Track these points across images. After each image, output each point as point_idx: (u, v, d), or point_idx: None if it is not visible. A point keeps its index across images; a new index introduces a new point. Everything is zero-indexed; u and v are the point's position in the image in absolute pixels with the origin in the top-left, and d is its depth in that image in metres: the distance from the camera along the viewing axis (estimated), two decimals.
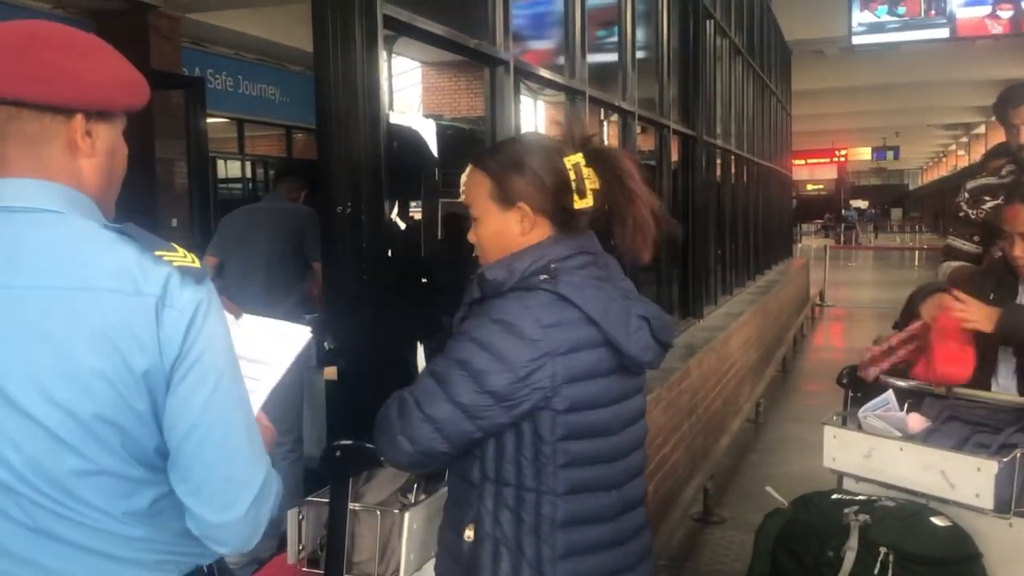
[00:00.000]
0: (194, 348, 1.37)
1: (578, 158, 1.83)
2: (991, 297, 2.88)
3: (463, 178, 1.91)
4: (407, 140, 7.26)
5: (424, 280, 8.09)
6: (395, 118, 9.13)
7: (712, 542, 5.17)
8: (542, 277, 1.79)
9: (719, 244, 9.25)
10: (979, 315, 2.63)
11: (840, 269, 24.87)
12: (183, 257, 1.39)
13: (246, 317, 1.73)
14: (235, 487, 1.41)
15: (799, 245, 28.41)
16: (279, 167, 6.78)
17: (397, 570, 1.92)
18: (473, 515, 1.82)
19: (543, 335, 1.74)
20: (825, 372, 7.36)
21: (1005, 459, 2.44)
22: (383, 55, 2.90)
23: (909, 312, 2.95)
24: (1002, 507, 2.44)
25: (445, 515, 1.95)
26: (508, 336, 1.74)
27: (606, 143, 1.93)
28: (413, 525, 1.93)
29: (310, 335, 1.77)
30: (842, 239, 38.23)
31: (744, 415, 7.55)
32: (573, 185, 1.82)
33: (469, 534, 1.81)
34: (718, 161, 9.21)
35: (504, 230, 1.85)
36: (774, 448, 7.21)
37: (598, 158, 1.85)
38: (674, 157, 7.33)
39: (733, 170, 10.27)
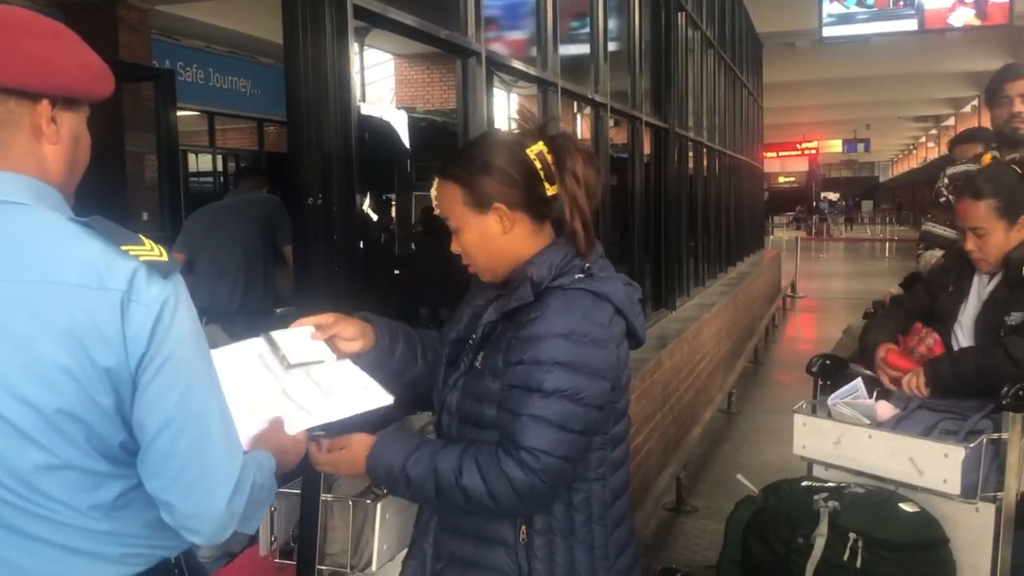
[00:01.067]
0: (164, 346, 1.35)
1: (540, 146, 1.83)
2: (950, 289, 2.91)
3: (433, 192, 1.91)
4: (379, 132, 7.24)
5: (396, 272, 8.07)
6: (367, 109, 9.09)
7: (685, 531, 5.20)
8: (578, 276, 1.79)
9: (692, 236, 9.28)
10: (910, 378, 2.70)
11: (811, 261, 25.06)
12: (150, 251, 1.37)
13: (347, 362, 1.81)
14: (210, 481, 1.40)
15: (771, 237, 28.59)
16: (238, 167, 6.76)
17: (370, 561, 1.91)
18: (524, 517, 1.81)
19: (609, 336, 1.76)
20: (796, 362, 7.44)
21: (971, 445, 2.47)
22: (354, 46, 2.89)
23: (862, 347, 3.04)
24: (969, 492, 2.48)
25: (451, 528, 1.89)
26: (588, 347, 1.73)
27: (561, 129, 1.91)
28: (386, 516, 1.92)
29: (390, 402, 1.79)
30: (813, 231, 38.52)
31: (716, 405, 7.60)
32: (541, 174, 1.82)
33: (523, 537, 1.80)
34: (690, 154, 9.24)
35: (486, 233, 1.84)
36: (746, 437, 7.26)
37: (555, 144, 1.85)
38: (646, 150, 7.35)
39: (705, 162, 10.31)
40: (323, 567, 1.93)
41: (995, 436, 2.51)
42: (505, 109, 18.02)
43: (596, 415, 1.75)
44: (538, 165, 1.82)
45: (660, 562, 4.38)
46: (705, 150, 10.14)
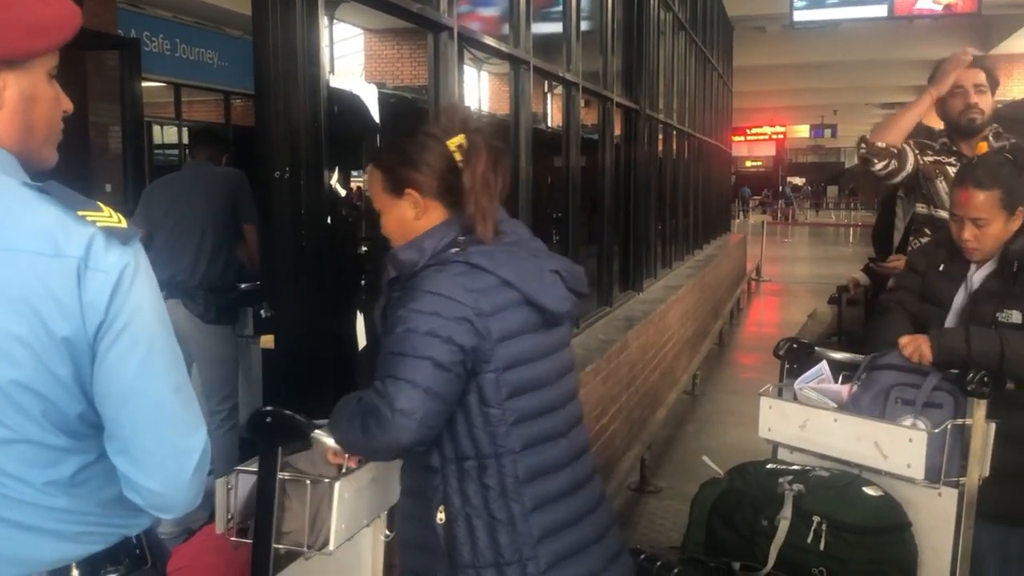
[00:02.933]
0: (122, 313, 1.31)
1: (460, 139, 1.95)
2: (941, 268, 2.90)
3: (365, 176, 2.02)
4: (347, 107, 7.15)
5: (364, 249, 8.00)
6: (336, 84, 8.98)
7: (649, 511, 5.22)
8: (453, 251, 1.92)
9: (659, 218, 9.29)
10: (924, 350, 2.65)
11: (777, 245, 25.22)
12: (108, 217, 1.33)
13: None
14: (177, 454, 1.37)
15: (737, 220, 28.71)
16: (194, 132, 6.54)
17: (327, 541, 1.90)
18: (440, 498, 1.92)
19: (473, 299, 1.87)
20: (760, 345, 7.46)
21: (936, 431, 2.48)
22: (323, 18, 2.84)
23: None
24: (932, 477, 2.49)
25: (402, 512, 2.05)
26: (445, 300, 1.85)
27: (480, 125, 2.04)
28: (344, 495, 1.91)
29: None
30: (779, 215, 38.76)
31: (681, 387, 7.63)
32: (460, 166, 1.94)
33: (441, 517, 1.92)
34: (660, 135, 9.23)
35: (401, 216, 1.99)
36: (710, 419, 7.30)
37: (470, 139, 1.97)
38: (617, 131, 7.34)
39: (674, 145, 10.31)
40: (280, 545, 1.92)
41: (959, 422, 2.52)
42: (476, 87, 17.92)
43: (456, 350, 1.83)
44: (457, 157, 1.95)
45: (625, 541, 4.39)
46: (675, 132, 10.14)
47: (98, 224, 1.31)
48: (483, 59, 8.33)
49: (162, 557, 1.55)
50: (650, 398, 6.55)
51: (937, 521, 2.51)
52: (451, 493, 1.91)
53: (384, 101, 9.68)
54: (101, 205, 1.35)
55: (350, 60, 17.19)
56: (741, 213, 40.43)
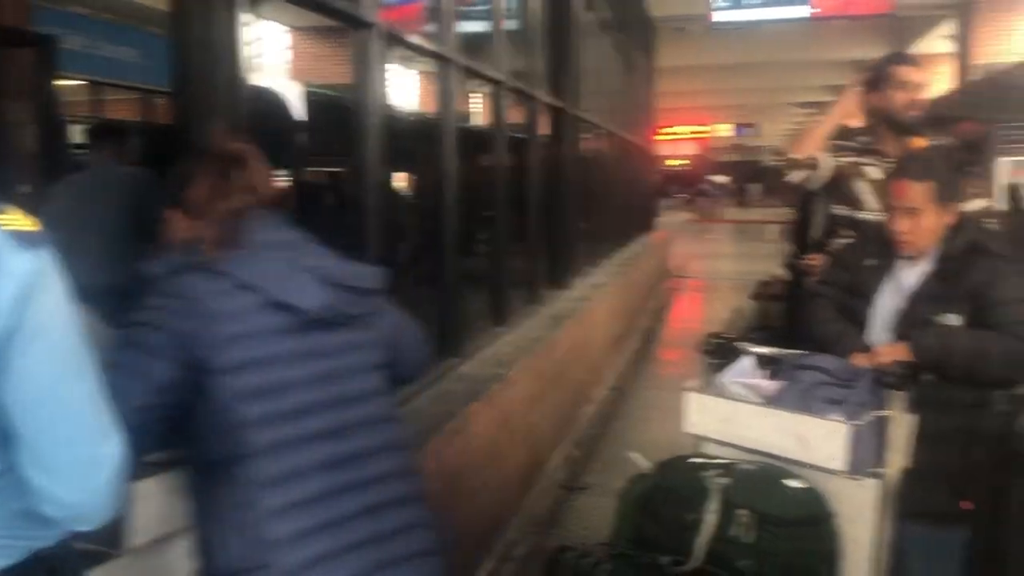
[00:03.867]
0: (32, 319, 1.26)
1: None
2: (868, 263, 2.95)
3: None
4: (270, 105, 7.03)
5: None
6: (258, 82, 8.83)
7: (578, 508, 5.23)
8: (193, 257, 1.91)
9: (586, 216, 9.33)
10: (902, 353, 2.68)
11: (701, 242, 25.55)
12: (17, 219, 1.28)
13: None
14: (92, 463, 1.33)
15: (662, 218, 28.98)
16: (91, 130, 6.28)
17: (131, 542, 1.87)
18: (195, 502, 1.91)
19: (200, 303, 1.85)
20: (686, 341, 7.50)
21: (856, 422, 2.52)
22: (243, 15, 2.77)
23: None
24: (854, 468, 2.52)
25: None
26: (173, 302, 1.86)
27: (242, 145, 2.09)
28: (146, 496, 1.88)
29: None
30: (704, 212, 39.27)
31: (608, 383, 7.68)
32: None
33: (195, 520, 1.90)
34: (585, 135, 9.28)
35: (175, 229, 2.01)
36: (637, 415, 7.35)
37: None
38: (543, 130, 7.34)
39: (600, 144, 10.37)
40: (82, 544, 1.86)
41: (879, 414, 2.56)
42: (406, 85, 17.78)
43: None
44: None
45: (554, 540, 4.40)
46: (600, 131, 10.20)
47: (6, 227, 1.26)
48: (412, 58, 8.25)
49: (78, 572, 1.49)
50: (578, 395, 6.57)
51: (859, 511, 2.55)
52: (195, 496, 1.90)
53: (311, 99, 9.56)
54: (10, 207, 1.29)
55: (276, 58, 16.93)
56: (669, 211, 40.91)
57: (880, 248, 2.95)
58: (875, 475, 2.54)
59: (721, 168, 52.70)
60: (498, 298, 5.61)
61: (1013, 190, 10.54)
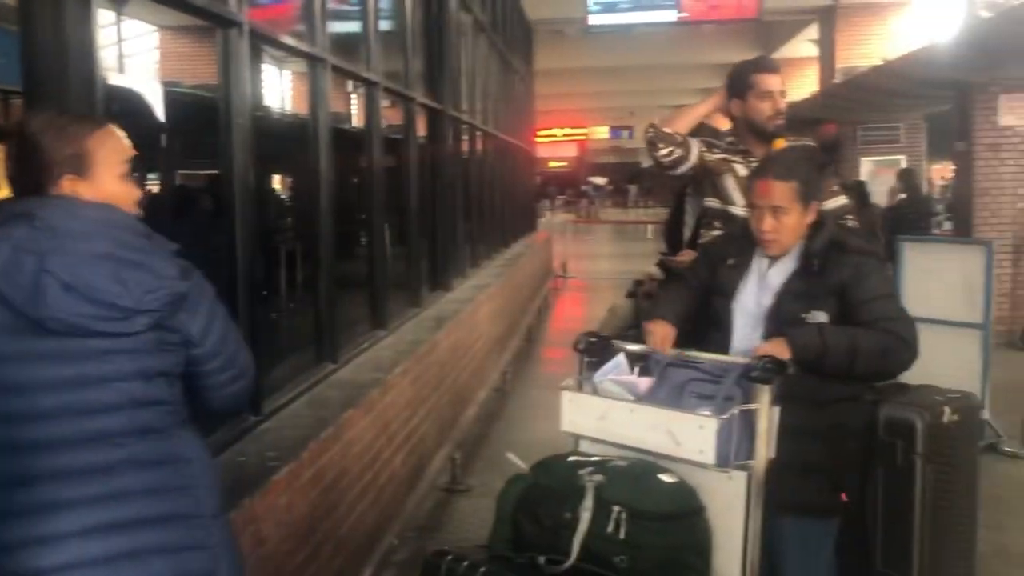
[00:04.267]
0: None
1: None
2: (730, 262, 3.00)
3: None
4: (129, 105, 6.78)
5: None
6: (118, 83, 8.52)
7: (460, 511, 5.21)
8: None
9: (467, 218, 9.32)
10: (781, 350, 2.70)
11: (581, 242, 25.87)
12: None
13: None
14: None
15: (543, 219, 29.25)
16: None
17: None
18: None
19: None
20: (567, 340, 7.57)
21: (724, 416, 2.57)
22: (100, 12, 2.65)
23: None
24: (722, 461, 2.57)
25: None
26: None
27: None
28: None
29: None
30: (583, 213, 39.82)
31: (491, 384, 7.68)
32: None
33: None
34: (464, 136, 9.27)
35: None
36: (520, 415, 7.38)
37: None
38: (421, 131, 7.30)
39: (479, 145, 10.38)
40: None
41: (745, 407, 2.61)
42: (279, 86, 17.45)
43: None
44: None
45: (435, 543, 4.36)
46: (478, 132, 10.20)
47: None
48: (284, 58, 8.11)
49: None
50: (460, 397, 6.54)
51: (729, 504, 2.59)
52: None
53: (180, 100, 9.27)
54: None
55: (144, 58, 16.38)
56: (551, 212, 41.33)
57: (741, 247, 3.01)
58: (743, 468, 2.59)
59: (600, 170, 53.49)
60: (377, 302, 5.54)
61: (858, 186, 11.07)
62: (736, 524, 2.58)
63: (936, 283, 6.53)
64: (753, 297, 2.93)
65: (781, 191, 2.85)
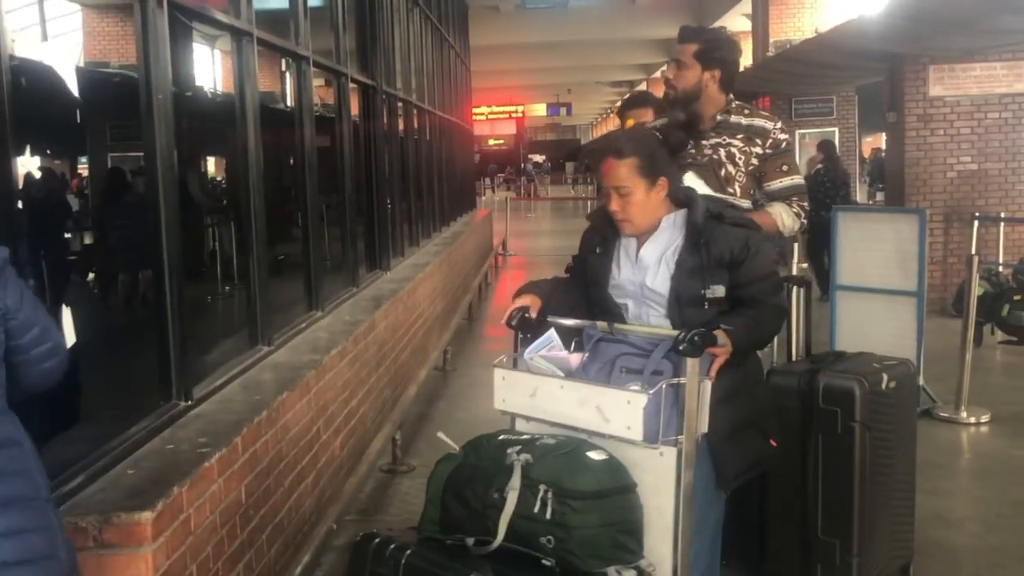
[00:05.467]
0: None
1: None
2: (597, 251, 2.96)
3: None
4: (47, 88, 6.55)
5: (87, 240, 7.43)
6: (30, 64, 8.23)
7: (402, 492, 5.14)
8: None
9: (404, 197, 9.21)
10: (727, 351, 2.66)
11: (521, 220, 25.85)
12: None
13: None
14: None
15: (483, 197, 29.18)
16: None
17: None
18: None
19: None
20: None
21: (652, 391, 2.50)
22: None
23: None
24: (651, 437, 2.51)
25: None
26: None
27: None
28: None
29: None
30: (522, 191, 39.82)
31: (432, 363, 7.61)
32: None
33: None
34: (400, 113, 9.14)
35: None
36: (461, 394, 7.32)
37: None
38: (354, 108, 7.16)
39: (415, 123, 10.25)
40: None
41: (673, 381, 2.55)
42: (208, 64, 17.05)
43: None
44: None
45: (376, 526, 4.28)
46: (415, 110, 10.08)
47: None
48: (213, 34, 7.89)
49: None
50: (401, 377, 6.47)
51: (660, 480, 2.54)
52: None
53: (107, 80, 9.02)
54: None
55: (69, 38, 15.91)
56: (491, 190, 41.30)
57: (605, 234, 2.98)
58: (673, 443, 2.52)
59: (538, 147, 53.51)
60: (313, 282, 5.42)
61: (828, 147, 11.29)
62: (668, 501, 2.53)
63: (871, 252, 6.60)
64: (629, 279, 2.89)
65: (621, 170, 2.82)
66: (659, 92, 3.95)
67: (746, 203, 3.52)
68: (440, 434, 2.76)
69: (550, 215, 30.25)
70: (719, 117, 3.53)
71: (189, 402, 3.48)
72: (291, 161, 6.30)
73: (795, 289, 4.01)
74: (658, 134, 3.01)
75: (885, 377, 3.42)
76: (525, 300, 2.91)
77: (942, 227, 10.05)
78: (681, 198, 2.91)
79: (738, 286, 2.79)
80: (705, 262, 2.78)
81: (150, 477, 2.81)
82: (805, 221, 3.59)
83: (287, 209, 6.53)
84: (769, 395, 3.10)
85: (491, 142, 51.60)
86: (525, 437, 2.61)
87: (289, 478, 3.82)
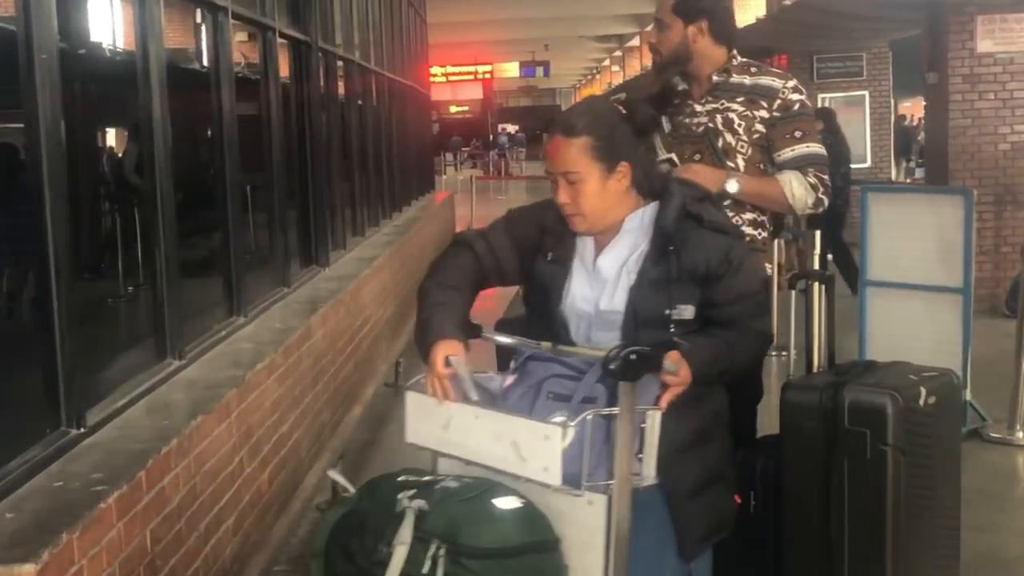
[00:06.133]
0: None
1: None
2: (549, 257, 2.81)
3: None
4: None
5: None
6: None
7: None
8: None
9: (346, 177, 9.21)
10: (684, 379, 2.54)
11: (490, 202, 25.84)
12: None
13: None
14: None
15: (443, 177, 29.19)
16: None
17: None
18: None
19: None
20: (479, 320, 7.53)
21: (573, 423, 2.37)
22: None
23: None
24: (573, 481, 2.38)
25: None
26: None
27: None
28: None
29: None
30: (492, 168, 39.87)
31: (381, 378, 7.60)
32: None
33: None
34: (340, 75, 9.13)
35: None
36: None
37: None
38: (284, 69, 7.14)
39: (359, 86, 10.25)
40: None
41: (605, 411, 2.43)
42: (110, 18, 16.94)
43: None
44: None
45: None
46: (358, 70, 10.07)
47: None
48: None
49: None
50: (343, 395, 6.47)
51: (588, 536, 2.42)
52: None
53: None
54: None
55: None
56: (453, 167, 41.30)
57: (560, 236, 2.82)
58: (603, 490, 2.41)
59: (510, 115, 53.58)
60: (233, 281, 5.41)
61: (826, 115, 11.29)
62: (597, 560, 2.42)
63: (906, 241, 6.64)
64: (584, 296, 2.76)
65: (570, 151, 2.68)
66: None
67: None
68: (331, 472, 2.69)
69: (525, 197, 30.25)
70: (716, 78, 3.51)
71: (82, 429, 3.47)
72: (207, 133, 6.26)
73: (816, 286, 4.04)
74: (622, 108, 2.84)
75: (924, 391, 3.44)
76: (448, 352, 2.60)
77: (993, 210, 10.09)
78: (655, 189, 2.79)
79: (712, 306, 2.69)
80: (673, 274, 2.66)
81: (34, 521, 2.80)
82: (824, 198, 3.55)
83: (202, 192, 6.49)
84: (729, 439, 2.94)
85: (453, 109, 51.62)
86: (426, 478, 2.51)
87: (205, 520, 3.82)
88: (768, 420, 3.54)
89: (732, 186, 3.37)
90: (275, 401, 4.86)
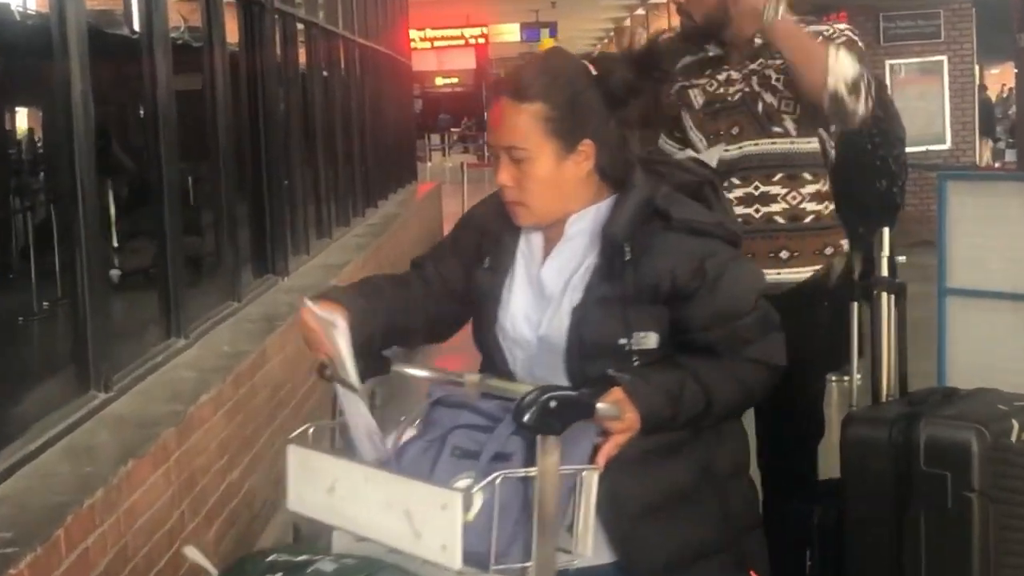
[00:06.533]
0: None
1: None
2: (485, 264, 2.67)
3: None
4: None
5: None
6: None
7: None
8: None
9: (309, 164, 9.23)
10: (630, 425, 2.34)
11: (485, 195, 25.91)
12: None
13: None
14: None
15: (428, 164, 29.23)
16: None
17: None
18: None
19: None
20: (465, 337, 7.56)
21: (476, 489, 2.20)
22: None
23: None
24: (478, 561, 2.22)
25: None
26: None
27: None
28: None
29: None
30: (486, 154, 39.86)
31: None
32: None
33: None
34: (301, 41, 9.16)
35: None
36: None
37: None
38: (233, 36, 7.16)
39: (324, 55, 10.28)
40: None
41: (520, 473, 2.25)
42: None
43: None
44: None
45: None
46: (322, 36, 10.10)
47: None
48: None
49: None
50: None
51: None
52: None
53: None
54: None
55: None
56: (440, 152, 41.38)
57: (499, 238, 2.66)
58: (523, 573, 2.24)
59: None
60: (171, 295, 5.42)
61: (877, 88, 11.27)
62: None
63: (995, 239, 6.65)
64: (525, 314, 2.61)
65: (518, 120, 2.48)
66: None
67: (811, 143, 3.51)
68: (188, 549, 2.62)
69: None
70: (759, 40, 3.52)
71: None
72: (139, 113, 6.29)
73: (884, 296, 4.04)
74: (593, 68, 2.59)
75: (1016, 425, 3.44)
76: (325, 309, 2.44)
77: None
78: (620, 177, 2.59)
79: (684, 331, 2.50)
80: (630, 291, 2.47)
81: None
82: (870, 99, 3.39)
83: (131, 185, 6.51)
84: (748, 499, 2.77)
85: (440, 82, 51.75)
86: (300, 558, 2.41)
87: None
88: (828, 461, 3.54)
89: (771, 11, 3.31)
90: (223, 442, 4.88)
